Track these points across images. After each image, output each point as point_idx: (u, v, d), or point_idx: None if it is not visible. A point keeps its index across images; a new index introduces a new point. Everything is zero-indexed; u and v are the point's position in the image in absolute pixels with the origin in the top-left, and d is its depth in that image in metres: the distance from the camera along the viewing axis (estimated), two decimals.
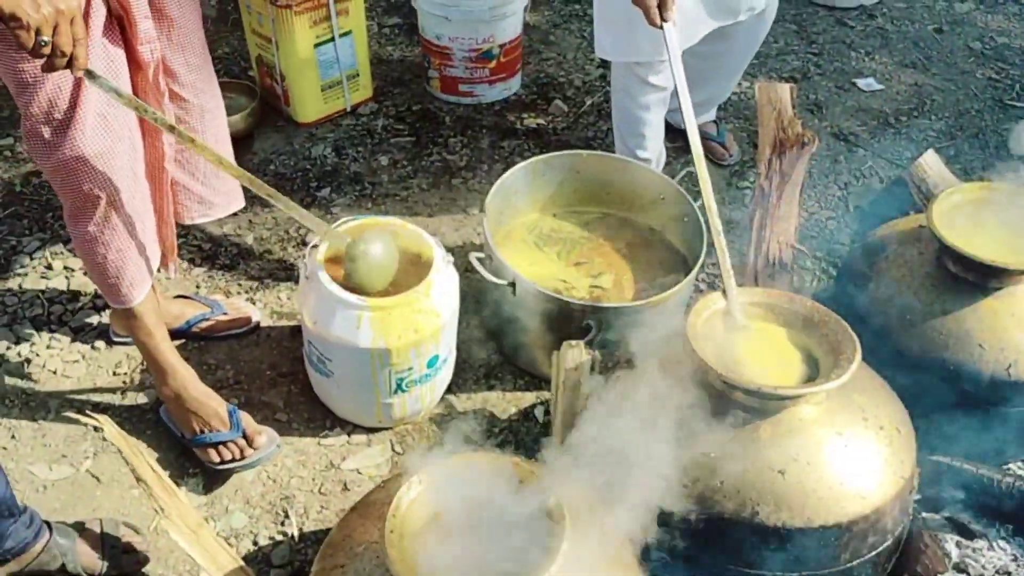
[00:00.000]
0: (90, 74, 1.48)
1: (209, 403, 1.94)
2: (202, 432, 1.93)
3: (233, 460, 1.93)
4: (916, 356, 1.99)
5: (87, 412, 1.66)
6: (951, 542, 1.93)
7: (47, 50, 1.33)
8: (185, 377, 1.93)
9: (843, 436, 1.65)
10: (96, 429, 1.95)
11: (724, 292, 1.76)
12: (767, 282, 2.18)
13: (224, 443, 1.93)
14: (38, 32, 1.30)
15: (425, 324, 1.90)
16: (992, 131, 3.08)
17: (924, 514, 1.95)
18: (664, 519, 1.66)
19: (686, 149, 2.89)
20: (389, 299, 1.87)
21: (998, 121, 3.13)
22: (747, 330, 1.74)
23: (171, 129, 1.62)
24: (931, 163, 2.57)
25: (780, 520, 1.59)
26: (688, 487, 1.62)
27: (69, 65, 1.38)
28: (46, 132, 1.58)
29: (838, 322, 1.72)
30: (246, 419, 1.97)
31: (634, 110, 2.47)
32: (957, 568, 1.89)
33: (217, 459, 1.94)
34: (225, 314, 2.26)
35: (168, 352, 1.91)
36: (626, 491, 1.70)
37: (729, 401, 1.67)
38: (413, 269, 2.01)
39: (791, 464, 1.61)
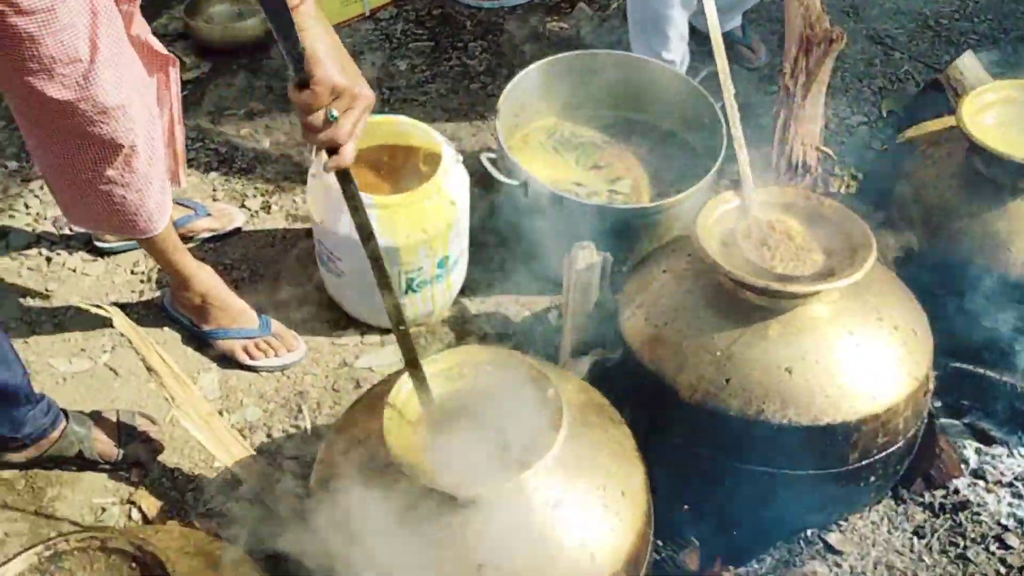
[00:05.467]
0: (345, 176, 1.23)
1: (236, 302, 1.97)
2: (229, 327, 1.96)
3: (265, 358, 1.97)
4: (940, 258, 1.94)
5: (98, 304, 1.68)
6: (970, 448, 1.91)
7: (327, 126, 1.14)
8: (208, 280, 1.96)
9: (855, 335, 1.62)
10: (106, 322, 1.97)
11: (741, 188, 1.71)
12: (789, 185, 2.12)
13: (254, 341, 1.96)
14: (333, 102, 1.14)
15: (434, 223, 1.88)
16: None
17: (943, 419, 1.92)
18: (669, 415, 1.66)
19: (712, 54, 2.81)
20: (397, 196, 1.85)
21: None
22: (760, 229, 1.69)
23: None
24: (968, 65, 2.46)
25: (786, 417, 1.57)
26: (694, 384, 1.61)
27: (332, 152, 1.18)
28: (56, 91, 1.51)
29: (854, 220, 1.67)
30: (275, 323, 2.00)
31: (657, 7, 2.39)
32: (975, 474, 1.87)
33: (246, 357, 1.97)
34: (209, 215, 2.26)
35: (188, 260, 1.92)
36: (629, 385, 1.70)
37: (737, 300, 1.64)
38: (422, 168, 1.99)
39: (799, 362, 1.58)
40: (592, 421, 1.52)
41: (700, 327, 1.65)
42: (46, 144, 1.65)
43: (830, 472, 1.64)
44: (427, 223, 1.87)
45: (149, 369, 1.66)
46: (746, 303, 1.63)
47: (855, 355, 1.60)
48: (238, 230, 2.29)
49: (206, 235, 2.25)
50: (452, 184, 1.90)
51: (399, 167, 2.02)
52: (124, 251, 2.22)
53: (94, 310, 1.64)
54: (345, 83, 1.14)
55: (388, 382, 1.70)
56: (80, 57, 1.49)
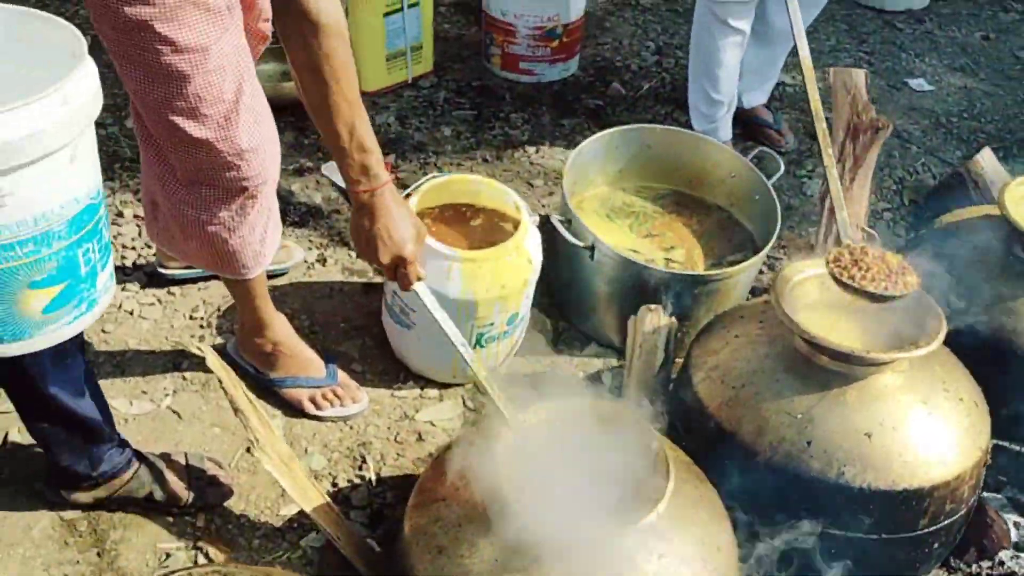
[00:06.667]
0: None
1: (306, 352, 1.98)
2: (297, 376, 1.96)
3: (330, 408, 1.98)
4: (983, 339, 2.03)
5: (195, 344, 1.68)
6: (1010, 522, 1.97)
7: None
8: (283, 329, 1.98)
9: (927, 404, 1.69)
10: (166, 366, 1.97)
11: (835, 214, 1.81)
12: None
13: (321, 391, 1.97)
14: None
15: (512, 280, 1.93)
16: None
17: (985, 493, 1.98)
18: (744, 476, 1.70)
19: (744, 136, 2.96)
20: (481, 252, 1.90)
21: None
22: (852, 252, 1.76)
23: None
24: (987, 160, 2.63)
25: (866, 481, 1.62)
26: (775, 446, 1.66)
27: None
28: (196, 130, 1.55)
29: (922, 295, 1.76)
30: (341, 373, 2.02)
31: (712, 50, 2.62)
32: (1016, 547, 1.93)
33: (312, 407, 1.97)
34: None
35: (269, 306, 1.94)
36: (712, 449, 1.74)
37: (813, 365, 1.70)
38: (498, 226, 2.05)
39: (877, 428, 1.65)
40: (684, 476, 1.56)
41: (778, 390, 1.71)
42: (172, 177, 1.68)
43: (900, 537, 1.69)
44: (506, 279, 1.92)
45: (236, 410, 1.66)
46: (822, 369, 1.69)
47: (928, 423, 1.67)
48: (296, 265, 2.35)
49: (271, 268, 2.27)
50: (530, 243, 1.96)
51: (469, 224, 2.08)
52: (185, 280, 2.24)
53: (192, 349, 1.64)
54: (366, 257, 1.60)
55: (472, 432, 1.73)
56: (224, 98, 1.53)
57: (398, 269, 1.57)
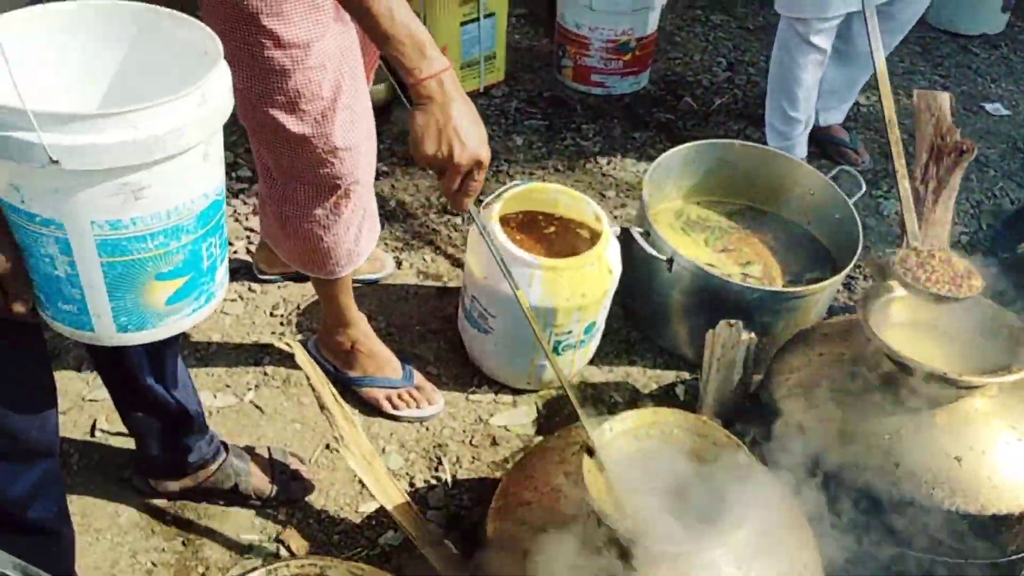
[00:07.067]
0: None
1: (384, 352, 2.01)
2: (375, 375, 1.99)
3: (407, 409, 2.00)
4: None
5: (284, 340, 1.71)
6: None
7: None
8: (363, 328, 2.01)
9: (1016, 430, 1.67)
10: (247, 360, 2.00)
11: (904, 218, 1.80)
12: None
13: (398, 391, 1.99)
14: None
15: (593, 289, 1.94)
16: None
17: None
18: (830, 495, 1.69)
19: (819, 154, 2.94)
20: (562, 260, 1.91)
21: None
22: (919, 255, 1.76)
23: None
24: None
25: (955, 505, 1.60)
26: (862, 466, 1.65)
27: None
28: (294, 125, 1.58)
29: (1015, 319, 1.74)
30: (417, 375, 2.04)
31: (791, 67, 2.63)
32: None
33: (389, 407, 2.00)
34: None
35: (352, 305, 1.97)
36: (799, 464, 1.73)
37: (901, 386, 1.69)
38: (574, 234, 2.06)
39: (967, 452, 1.63)
40: (773, 493, 1.55)
41: (865, 410, 1.70)
42: (269, 174, 1.72)
43: (988, 562, 1.67)
44: (586, 288, 1.92)
45: (322, 407, 1.69)
46: (911, 390, 1.67)
47: (1017, 449, 1.65)
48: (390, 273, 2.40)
49: (364, 277, 2.31)
50: (611, 253, 1.97)
51: (544, 231, 2.09)
52: (277, 283, 2.31)
53: (279, 344, 1.67)
54: (437, 159, 1.32)
55: (554, 439, 1.74)
56: (323, 95, 1.56)
57: (467, 179, 1.35)
